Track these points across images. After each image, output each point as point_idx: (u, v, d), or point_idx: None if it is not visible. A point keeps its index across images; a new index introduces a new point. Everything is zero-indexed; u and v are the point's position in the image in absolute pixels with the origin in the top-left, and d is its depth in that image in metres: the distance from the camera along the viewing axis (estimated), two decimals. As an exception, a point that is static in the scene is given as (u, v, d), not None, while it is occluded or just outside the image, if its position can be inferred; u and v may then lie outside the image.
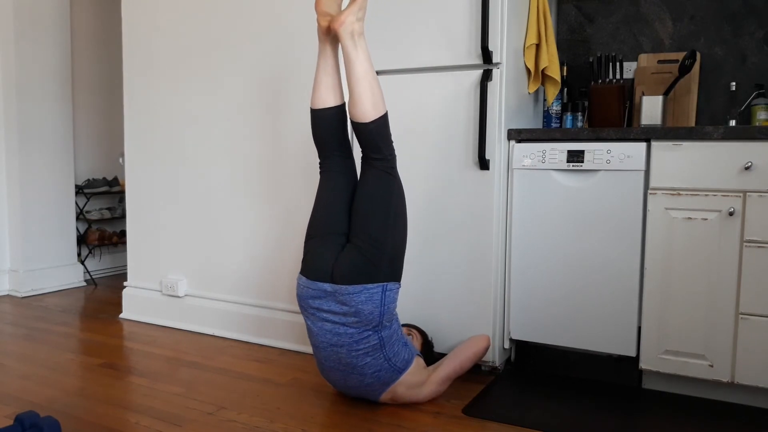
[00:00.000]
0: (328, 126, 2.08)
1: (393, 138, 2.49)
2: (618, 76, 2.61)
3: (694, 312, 2.12)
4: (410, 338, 2.31)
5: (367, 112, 1.96)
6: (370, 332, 1.97)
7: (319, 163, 2.14)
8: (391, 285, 1.98)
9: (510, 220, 2.38)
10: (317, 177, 2.64)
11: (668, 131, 2.12)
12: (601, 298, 2.26)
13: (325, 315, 1.99)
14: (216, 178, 2.92)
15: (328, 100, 2.06)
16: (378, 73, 2.53)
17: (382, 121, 1.99)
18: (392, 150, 2.03)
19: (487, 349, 2.29)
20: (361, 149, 2.05)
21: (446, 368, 2.16)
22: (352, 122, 2.02)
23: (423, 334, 2.36)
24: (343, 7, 2.15)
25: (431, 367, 2.17)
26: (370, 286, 1.94)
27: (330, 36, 2.05)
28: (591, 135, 2.25)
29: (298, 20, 2.64)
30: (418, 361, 2.11)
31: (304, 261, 2.05)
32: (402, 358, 2.04)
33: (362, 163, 2.06)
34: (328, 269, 1.98)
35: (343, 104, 2.11)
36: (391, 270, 1.99)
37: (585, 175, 2.26)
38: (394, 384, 2.05)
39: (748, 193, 2.03)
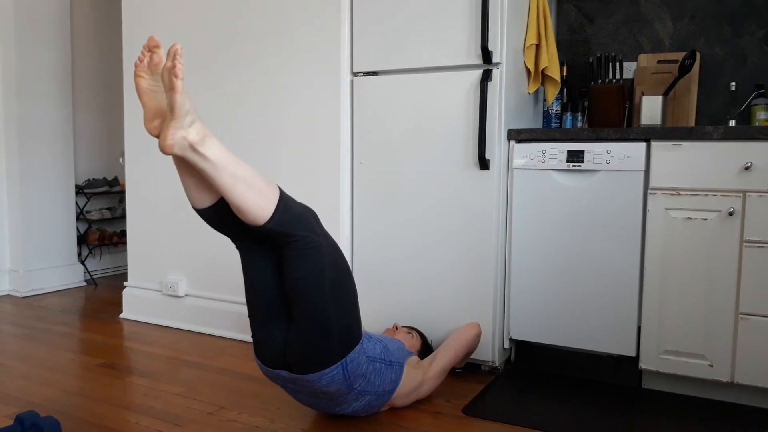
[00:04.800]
0: (220, 222, 1.75)
1: (392, 138, 2.49)
2: (618, 76, 2.61)
3: (693, 312, 2.12)
4: (409, 336, 2.32)
5: (255, 217, 1.62)
6: (346, 395, 1.87)
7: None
8: (350, 357, 1.78)
9: (510, 220, 2.38)
10: (315, 176, 2.65)
11: (668, 131, 2.12)
12: (601, 298, 2.26)
13: (294, 389, 1.87)
14: (216, 178, 2.92)
15: (203, 200, 1.71)
16: (377, 73, 2.54)
17: (279, 213, 1.64)
18: (307, 224, 1.70)
19: (479, 336, 2.29)
20: None
21: (442, 361, 2.15)
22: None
23: (423, 336, 2.36)
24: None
25: (426, 361, 2.16)
26: (327, 371, 1.76)
27: None
28: (591, 135, 2.25)
29: (299, 19, 2.64)
30: (410, 364, 2.08)
31: (253, 342, 1.84)
32: (389, 380, 1.96)
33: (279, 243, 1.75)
34: (280, 354, 1.79)
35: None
36: (346, 342, 1.78)
37: (585, 175, 2.26)
38: (389, 401, 2.02)
39: (747, 193, 2.03)
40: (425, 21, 2.40)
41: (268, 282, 1.77)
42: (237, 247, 1.81)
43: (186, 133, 1.52)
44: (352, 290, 1.81)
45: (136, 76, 1.58)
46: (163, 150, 1.52)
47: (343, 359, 1.77)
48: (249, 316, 1.83)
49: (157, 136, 1.58)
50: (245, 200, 1.59)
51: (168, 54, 1.50)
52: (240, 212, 1.63)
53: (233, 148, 2.86)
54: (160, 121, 1.59)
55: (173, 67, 1.47)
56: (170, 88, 1.49)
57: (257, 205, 1.61)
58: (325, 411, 1.97)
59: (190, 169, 1.66)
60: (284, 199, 1.67)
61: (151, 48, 1.56)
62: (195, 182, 1.69)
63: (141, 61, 1.57)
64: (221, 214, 1.73)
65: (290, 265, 1.71)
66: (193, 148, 1.54)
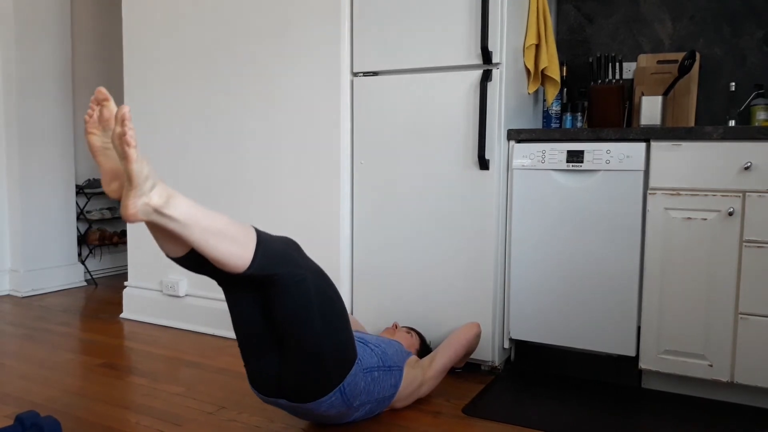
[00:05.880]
0: (197, 268, 1.65)
1: (392, 138, 2.50)
2: (618, 77, 2.61)
3: (693, 312, 2.12)
4: (409, 336, 2.32)
5: (234, 267, 1.55)
6: (347, 412, 1.85)
7: None
8: (347, 380, 1.75)
9: (510, 221, 2.39)
10: (315, 176, 2.65)
11: (668, 131, 2.12)
12: (600, 298, 2.26)
13: (293, 413, 1.85)
14: (216, 176, 2.92)
15: (176, 250, 1.61)
16: (377, 73, 2.54)
17: (258, 257, 1.56)
18: (289, 259, 1.63)
19: (478, 335, 2.30)
20: None
21: (441, 360, 2.15)
22: None
23: (421, 337, 2.37)
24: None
25: (425, 360, 2.15)
26: (325, 398, 1.73)
27: None
28: (590, 135, 2.25)
29: (299, 18, 2.64)
30: (409, 364, 2.07)
31: (247, 372, 1.79)
32: (389, 385, 1.94)
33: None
34: (274, 384, 1.75)
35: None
36: (341, 367, 1.74)
37: (584, 176, 2.26)
38: (390, 404, 2.01)
39: (747, 193, 2.03)
40: (425, 21, 2.40)
41: (256, 317, 1.71)
42: (219, 284, 1.73)
43: (148, 198, 1.42)
44: (342, 313, 1.75)
45: (86, 133, 1.46)
46: (127, 219, 1.43)
47: (341, 384, 1.74)
48: (239, 347, 1.77)
49: (118, 199, 1.49)
50: (221, 253, 1.51)
51: (116, 118, 1.37)
52: (218, 264, 1.55)
53: (233, 149, 2.86)
54: (118, 183, 1.49)
55: (123, 134, 1.36)
56: (124, 158, 1.38)
57: (235, 254, 1.53)
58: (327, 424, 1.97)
59: (159, 226, 1.55)
60: (262, 242, 1.58)
61: (99, 101, 1.45)
62: (165, 235, 1.58)
63: (90, 116, 1.45)
64: (197, 261, 1.63)
65: (276, 301, 1.65)
66: (158, 212, 1.44)
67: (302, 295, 1.64)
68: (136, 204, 1.41)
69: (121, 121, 1.36)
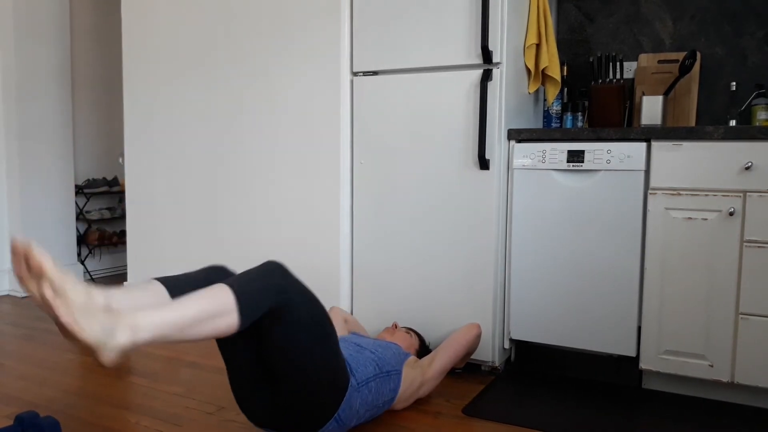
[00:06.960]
0: None
1: (392, 138, 2.49)
2: (618, 76, 2.61)
3: (694, 312, 2.12)
4: (408, 336, 2.31)
5: (224, 335, 1.50)
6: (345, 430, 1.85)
7: None
8: (342, 407, 1.74)
9: (510, 220, 2.38)
10: (315, 176, 2.64)
11: (668, 131, 2.12)
12: (601, 298, 2.26)
13: None
14: (216, 177, 2.92)
15: None
16: (377, 73, 2.53)
17: (245, 313, 1.49)
18: (271, 293, 1.55)
19: (479, 336, 2.30)
20: None
21: (441, 360, 2.15)
22: None
23: (421, 338, 2.36)
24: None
25: (425, 360, 2.15)
26: (321, 429, 1.74)
27: None
28: (591, 135, 2.25)
29: (299, 18, 2.64)
30: (408, 364, 2.06)
31: (237, 402, 1.79)
32: (388, 390, 1.94)
33: None
34: (269, 420, 1.75)
35: None
36: (334, 397, 1.72)
37: (585, 175, 2.26)
38: (390, 406, 2.01)
39: (748, 193, 2.03)
40: (425, 21, 2.40)
41: (247, 355, 1.69)
42: None
43: (114, 345, 1.32)
44: (332, 335, 1.71)
45: (27, 290, 1.32)
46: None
47: (335, 414, 1.74)
48: (230, 384, 1.77)
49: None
50: (208, 334, 1.46)
51: (42, 303, 1.27)
52: (209, 340, 1.51)
53: (232, 149, 2.86)
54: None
55: (57, 318, 1.25)
56: (68, 337, 1.29)
57: (220, 328, 1.47)
58: None
59: None
60: (240, 296, 1.50)
61: (20, 255, 1.28)
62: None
63: (19, 271, 1.30)
64: None
65: (267, 334, 1.61)
66: (132, 345, 1.35)
67: (291, 321, 1.60)
68: (109, 356, 1.32)
69: (48, 307, 1.26)
